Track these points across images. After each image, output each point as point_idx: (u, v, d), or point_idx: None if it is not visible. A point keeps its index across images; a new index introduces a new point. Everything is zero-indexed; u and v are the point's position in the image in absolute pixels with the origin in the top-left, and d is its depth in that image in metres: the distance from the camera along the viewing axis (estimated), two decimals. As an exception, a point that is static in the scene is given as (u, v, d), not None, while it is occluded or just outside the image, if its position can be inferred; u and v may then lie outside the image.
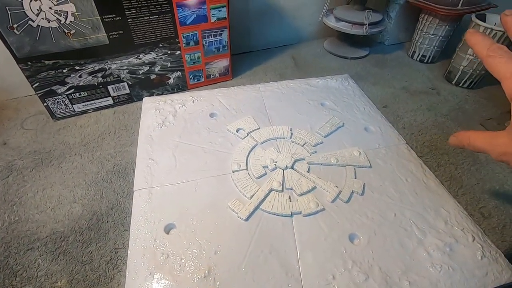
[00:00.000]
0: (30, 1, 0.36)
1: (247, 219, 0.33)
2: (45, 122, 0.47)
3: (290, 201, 0.35)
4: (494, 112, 0.52)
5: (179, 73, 0.52)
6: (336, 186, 0.37)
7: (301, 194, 0.36)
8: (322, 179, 0.38)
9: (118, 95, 0.49)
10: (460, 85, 0.58)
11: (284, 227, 0.32)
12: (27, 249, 0.32)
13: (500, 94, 0.56)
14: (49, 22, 0.38)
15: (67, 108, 0.47)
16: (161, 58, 0.48)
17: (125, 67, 0.47)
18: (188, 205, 0.34)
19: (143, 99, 0.50)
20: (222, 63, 0.55)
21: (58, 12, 0.38)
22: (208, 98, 0.51)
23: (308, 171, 0.39)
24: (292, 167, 0.39)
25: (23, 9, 0.36)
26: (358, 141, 0.44)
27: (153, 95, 0.52)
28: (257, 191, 0.36)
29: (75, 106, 0.47)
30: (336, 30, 0.63)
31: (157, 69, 0.49)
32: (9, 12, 0.36)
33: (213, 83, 0.57)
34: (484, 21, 0.53)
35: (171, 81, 0.52)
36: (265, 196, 0.36)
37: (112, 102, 0.50)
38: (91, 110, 0.49)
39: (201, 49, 0.51)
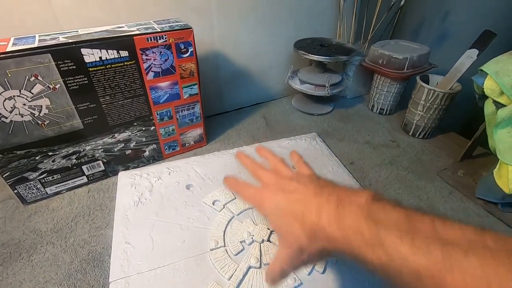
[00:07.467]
0: (4, 101, 0.37)
1: (226, 305, 0.33)
2: (15, 208, 0.46)
3: (268, 279, 0.36)
4: (447, 161, 0.58)
5: (154, 145, 0.53)
6: (312, 257, 0.39)
7: (279, 269, 0.37)
8: (298, 251, 0.39)
9: (93, 173, 0.50)
10: (416, 136, 0.64)
11: (264, 312, 0.33)
12: None
13: (450, 143, 0.62)
14: (22, 117, 0.39)
15: (39, 192, 0.46)
16: (136, 134, 0.50)
17: (100, 147, 0.48)
18: (166, 295, 0.34)
19: (119, 173, 0.50)
20: (196, 132, 0.57)
21: (32, 107, 0.39)
22: (184, 169, 0.52)
23: (284, 243, 0.40)
24: (268, 239, 0.41)
25: (-4, 108, 0.37)
26: (329, 204, 0.47)
27: (128, 169, 0.53)
28: (235, 270, 0.37)
29: (47, 189, 0.47)
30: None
31: (132, 144, 0.51)
32: (-19, 113, 0.36)
33: (189, 150, 0.59)
34: (428, 81, 0.61)
35: (146, 153, 0.53)
36: (244, 275, 0.36)
37: (87, 181, 0.50)
38: (64, 190, 0.48)
39: (175, 122, 0.53)
